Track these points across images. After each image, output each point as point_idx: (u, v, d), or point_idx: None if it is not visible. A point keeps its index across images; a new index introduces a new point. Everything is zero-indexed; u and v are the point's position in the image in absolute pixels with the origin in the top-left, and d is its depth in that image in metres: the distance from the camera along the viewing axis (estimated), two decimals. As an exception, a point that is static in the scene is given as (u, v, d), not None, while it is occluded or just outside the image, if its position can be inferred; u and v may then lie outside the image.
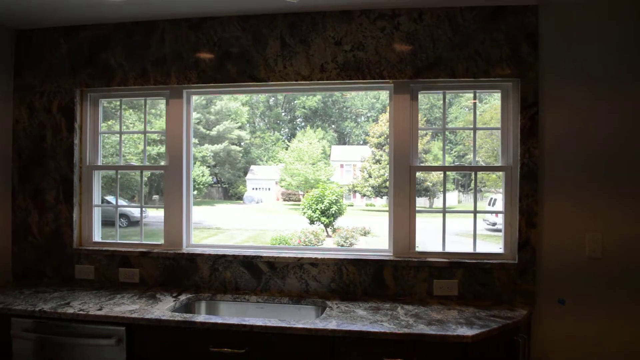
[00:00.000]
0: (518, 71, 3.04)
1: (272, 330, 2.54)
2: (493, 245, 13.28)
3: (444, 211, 3.37)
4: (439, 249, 3.30)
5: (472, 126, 3.37)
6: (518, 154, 3.06)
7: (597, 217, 2.98)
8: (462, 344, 2.40)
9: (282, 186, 33.99)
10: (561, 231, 3.02)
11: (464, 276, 3.12)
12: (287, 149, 34.47)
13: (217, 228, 19.66)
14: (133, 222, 16.24)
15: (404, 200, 3.25)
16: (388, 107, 3.36)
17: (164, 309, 2.85)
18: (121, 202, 18.18)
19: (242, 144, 41.39)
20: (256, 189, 37.30)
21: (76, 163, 3.57)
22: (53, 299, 3.03)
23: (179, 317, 2.68)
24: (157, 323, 2.66)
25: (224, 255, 3.36)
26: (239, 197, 36.48)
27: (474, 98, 3.34)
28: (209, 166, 34.85)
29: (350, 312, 2.78)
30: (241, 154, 39.84)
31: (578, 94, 3.00)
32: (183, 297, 3.13)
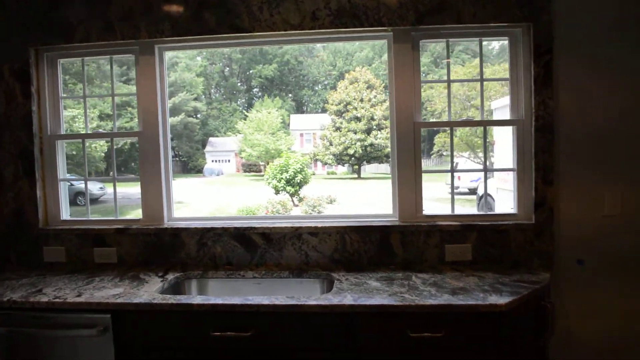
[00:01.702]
0: (530, 14, 2.78)
1: (281, 309, 2.26)
2: (468, 209, 13.33)
3: (452, 170, 3.13)
4: (447, 212, 3.07)
5: (478, 77, 3.11)
6: (532, 106, 2.83)
7: (616, 174, 2.80)
8: (494, 314, 2.18)
9: (242, 157, 33.38)
10: (579, 188, 2.83)
11: (477, 240, 2.91)
12: (245, 120, 33.78)
13: (180, 202, 19.11)
14: (93, 200, 15.53)
15: (408, 160, 2.99)
16: (388, 59, 3.06)
17: (152, 290, 2.52)
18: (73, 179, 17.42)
19: (199, 115, 40.40)
20: (216, 161, 36.60)
21: (36, 133, 3.14)
22: (22, 287, 2.66)
23: (172, 299, 2.37)
24: (149, 307, 2.34)
25: (212, 229, 3.04)
26: (198, 170, 35.72)
27: (480, 47, 3.07)
28: (166, 139, 33.71)
29: (363, 284, 2.52)
30: (198, 126, 38.88)
31: (594, 40, 2.78)
32: (170, 277, 2.81)
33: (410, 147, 2.98)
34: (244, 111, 38.79)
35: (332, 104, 28.86)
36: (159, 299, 2.38)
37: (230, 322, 2.31)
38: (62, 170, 3.27)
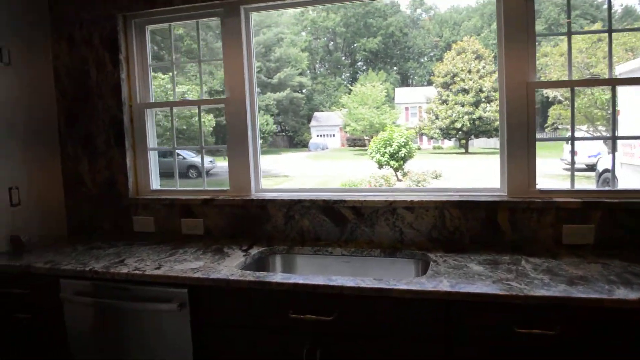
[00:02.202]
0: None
1: (367, 293, 1.99)
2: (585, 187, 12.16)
3: (573, 138, 2.66)
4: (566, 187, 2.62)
5: (605, 28, 2.59)
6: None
7: None
8: (623, 311, 1.76)
9: (346, 132, 33.32)
10: None
11: (602, 220, 2.43)
12: (349, 94, 33.59)
13: (285, 176, 19.45)
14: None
15: (520, 125, 2.56)
16: (497, 9, 2.63)
17: (232, 266, 2.37)
18: (186, 153, 18.23)
19: (304, 90, 40.84)
20: (321, 135, 36.89)
21: (125, 101, 3.10)
22: (107, 256, 2.62)
23: (250, 276, 2.19)
24: (225, 284, 2.18)
25: (300, 201, 2.83)
26: (304, 145, 36.25)
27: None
28: (272, 115, 34.70)
29: (463, 268, 2.18)
30: (304, 101, 39.36)
31: None
32: (255, 251, 2.64)
33: (522, 111, 2.55)
34: (348, 85, 38.63)
35: (438, 76, 27.81)
36: (237, 275, 2.21)
37: (311, 303, 2.08)
38: (152, 140, 3.21)
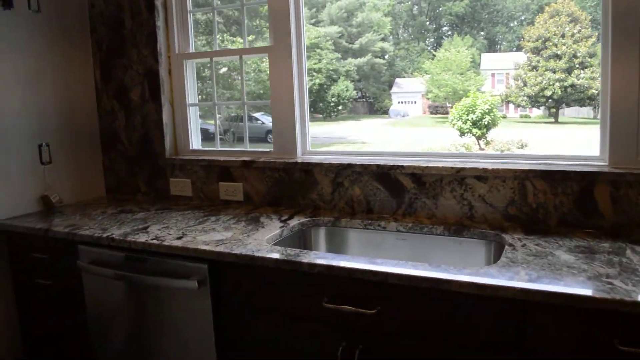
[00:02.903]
0: None
1: (419, 283, 1.55)
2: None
3: None
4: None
5: None
6: None
7: None
8: None
9: (428, 98, 32.11)
10: None
11: None
12: (433, 59, 32.23)
13: (362, 142, 18.98)
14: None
15: (629, 73, 1.97)
16: None
17: (263, 239, 2.00)
18: (265, 117, 18.12)
19: (386, 56, 39.73)
20: (402, 102, 35.85)
21: (161, 51, 2.79)
22: (133, 222, 2.35)
23: (278, 253, 1.82)
24: (249, 261, 1.82)
25: (350, 165, 2.40)
26: (384, 112, 35.41)
27: None
28: (353, 80, 34.08)
29: (547, 256, 1.68)
30: (385, 67, 38.29)
31: None
32: (294, 222, 2.27)
33: (632, 54, 1.95)
34: (432, 51, 37.03)
35: (528, 41, 25.93)
36: (264, 251, 1.85)
37: (350, 291, 1.69)
38: (191, 94, 2.89)
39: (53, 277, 2.34)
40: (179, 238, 2.05)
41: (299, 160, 2.53)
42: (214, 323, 1.94)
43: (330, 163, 2.44)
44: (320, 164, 2.46)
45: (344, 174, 2.43)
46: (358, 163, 2.38)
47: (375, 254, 2.21)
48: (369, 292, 1.66)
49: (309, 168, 2.49)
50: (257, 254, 1.81)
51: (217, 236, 2.06)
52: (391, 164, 2.32)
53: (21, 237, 2.42)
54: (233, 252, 1.85)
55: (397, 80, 37.73)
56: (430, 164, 2.26)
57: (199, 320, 1.95)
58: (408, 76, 37.95)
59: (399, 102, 36.20)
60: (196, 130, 2.93)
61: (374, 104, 38.18)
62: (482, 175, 2.17)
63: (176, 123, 2.89)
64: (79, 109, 2.89)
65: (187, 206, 2.66)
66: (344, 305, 1.66)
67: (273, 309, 1.83)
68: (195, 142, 2.92)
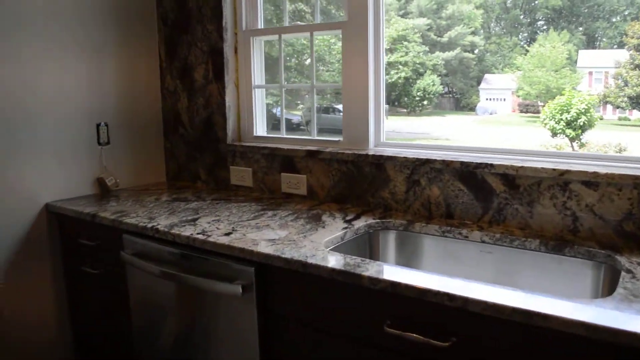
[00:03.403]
0: None
1: (508, 315, 1.21)
2: None
3: None
4: None
5: None
6: None
7: None
8: None
9: (519, 96, 30.49)
10: None
11: None
12: (525, 55, 30.59)
13: (446, 139, 18.27)
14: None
15: None
16: None
17: (321, 241, 1.72)
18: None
19: (476, 51, 38.24)
20: (490, 99, 34.38)
21: (226, 27, 2.56)
22: (184, 212, 2.14)
23: (336, 262, 1.52)
24: (300, 267, 1.54)
25: (428, 161, 2.05)
26: (471, 108, 34.09)
27: None
28: (439, 75, 33.09)
29: (685, 289, 1.28)
30: (474, 62, 36.86)
31: None
32: (360, 223, 1.97)
33: None
34: (525, 46, 35.21)
35: (632, 37, 23.89)
36: (319, 257, 1.56)
37: (419, 315, 1.36)
38: (258, 75, 2.65)
39: (100, 266, 2.19)
40: (227, 234, 1.80)
41: (370, 153, 2.21)
42: (260, 336, 1.68)
43: (405, 157, 2.10)
44: (394, 158, 2.13)
45: (421, 171, 2.08)
46: (438, 159, 2.03)
47: (453, 269, 1.86)
48: (442, 319, 1.32)
49: (380, 162, 2.17)
50: (309, 260, 1.53)
51: (269, 234, 1.80)
52: (478, 161, 1.95)
53: (71, 221, 2.29)
54: (283, 255, 1.58)
55: (486, 76, 36.23)
56: (527, 164, 1.86)
57: (244, 330, 1.70)
58: (498, 72, 36.36)
59: (487, 99, 34.73)
60: (262, 115, 2.69)
61: (460, 99, 36.93)
62: (591, 181, 1.76)
63: (240, 106, 2.66)
64: (141, 87, 2.73)
65: (246, 198, 2.43)
66: (410, 333, 1.34)
67: (324, 327, 1.55)
68: (260, 128, 2.68)
